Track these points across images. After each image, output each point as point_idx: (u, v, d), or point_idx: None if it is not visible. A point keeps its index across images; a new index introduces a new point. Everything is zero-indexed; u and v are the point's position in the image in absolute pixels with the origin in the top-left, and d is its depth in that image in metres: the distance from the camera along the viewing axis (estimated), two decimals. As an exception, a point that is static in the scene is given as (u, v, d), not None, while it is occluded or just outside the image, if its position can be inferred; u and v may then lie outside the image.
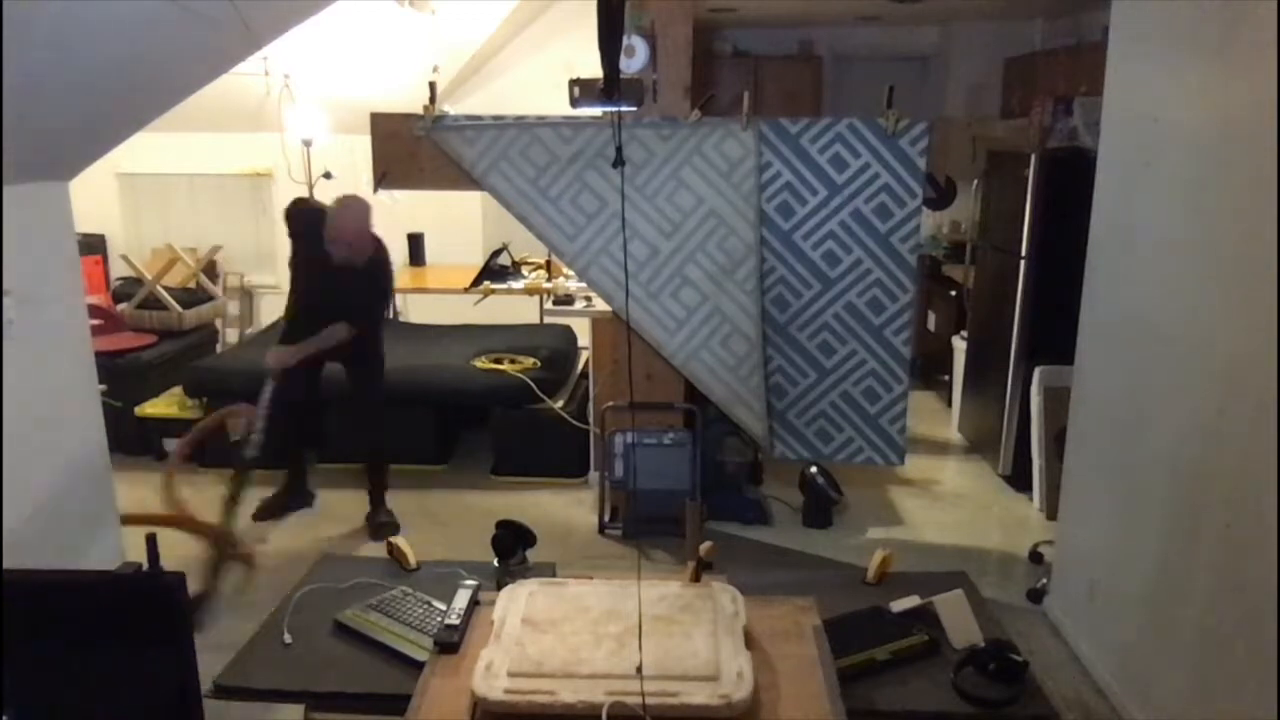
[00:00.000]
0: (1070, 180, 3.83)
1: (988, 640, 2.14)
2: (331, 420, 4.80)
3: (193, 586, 1.75)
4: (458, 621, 1.98)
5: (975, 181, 5.03)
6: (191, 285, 6.13)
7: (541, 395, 4.63)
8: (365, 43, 5.37)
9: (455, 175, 3.82)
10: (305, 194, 5.93)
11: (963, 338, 5.32)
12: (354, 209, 3.75)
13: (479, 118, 3.78)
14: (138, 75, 2.47)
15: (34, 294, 2.70)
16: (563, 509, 4.41)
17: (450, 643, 1.92)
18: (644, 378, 4.02)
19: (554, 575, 2.36)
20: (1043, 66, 5.76)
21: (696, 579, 2.18)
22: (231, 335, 6.60)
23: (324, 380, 4.17)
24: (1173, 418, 2.63)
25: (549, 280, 5.33)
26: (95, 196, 6.21)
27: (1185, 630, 2.51)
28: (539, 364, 4.84)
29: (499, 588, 2.08)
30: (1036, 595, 3.50)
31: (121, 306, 5.68)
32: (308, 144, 5.98)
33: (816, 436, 4.07)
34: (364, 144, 3.88)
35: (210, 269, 6.37)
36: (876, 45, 6.83)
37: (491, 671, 1.69)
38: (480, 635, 1.90)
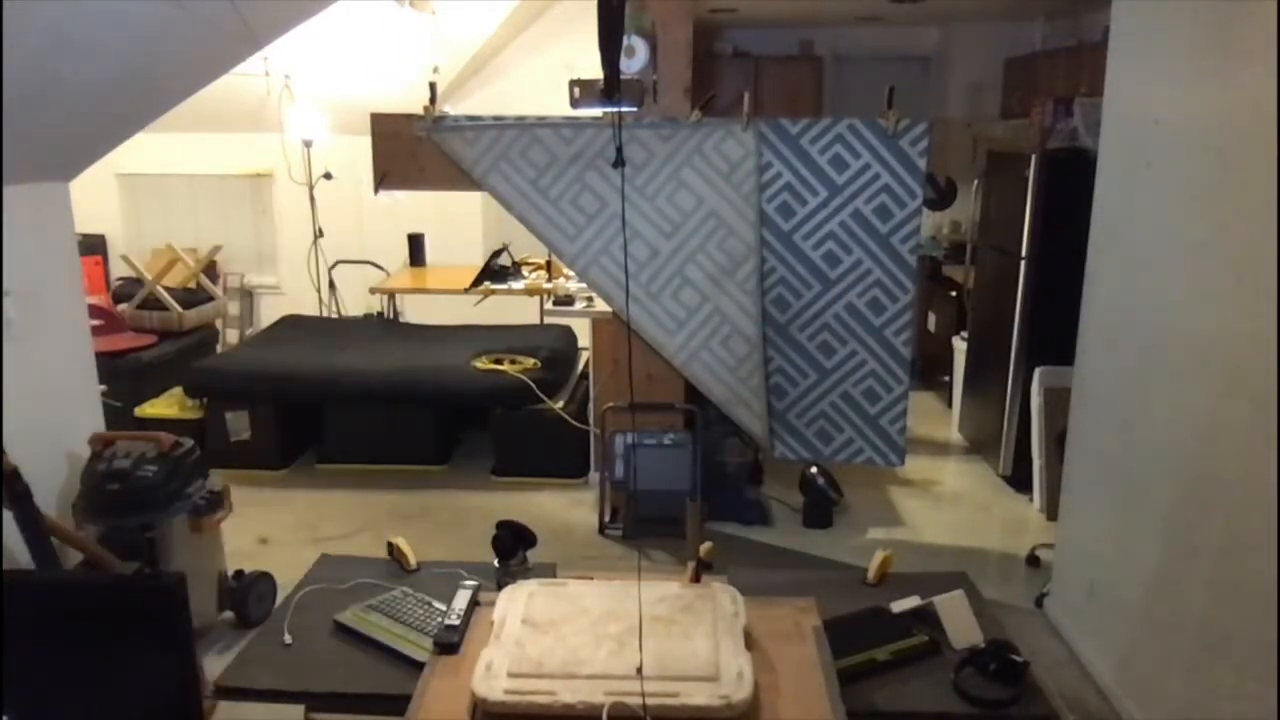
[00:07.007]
0: (1070, 181, 3.83)
1: (988, 640, 2.14)
2: (332, 420, 4.83)
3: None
4: (458, 622, 1.98)
5: (975, 182, 5.03)
6: (191, 285, 6.13)
7: (542, 395, 4.62)
8: (365, 43, 5.37)
9: (455, 175, 3.82)
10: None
11: (963, 338, 5.32)
12: None
13: (479, 118, 3.78)
14: (138, 75, 2.47)
15: (34, 294, 2.70)
16: (563, 509, 4.41)
17: (450, 643, 1.92)
18: (644, 378, 4.02)
19: (554, 575, 2.36)
20: (1043, 67, 5.75)
21: (696, 579, 2.18)
22: (231, 335, 6.60)
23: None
24: (1173, 418, 2.63)
25: (549, 281, 5.32)
26: (95, 196, 6.21)
27: (1185, 630, 2.51)
28: (539, 364, 4.83)
29: (499, 588, 2.09)
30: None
31: (121, 306, 5.68)
32: (308, 144, 5.98)
33: (816, 437, 4.07)
34: (364, 144, 3.88)
35: (210, 269, 6.37)
36: (876, 45, 6.83)
37: (491, 672, 1.69)
38: (480, 636, 1.90)
